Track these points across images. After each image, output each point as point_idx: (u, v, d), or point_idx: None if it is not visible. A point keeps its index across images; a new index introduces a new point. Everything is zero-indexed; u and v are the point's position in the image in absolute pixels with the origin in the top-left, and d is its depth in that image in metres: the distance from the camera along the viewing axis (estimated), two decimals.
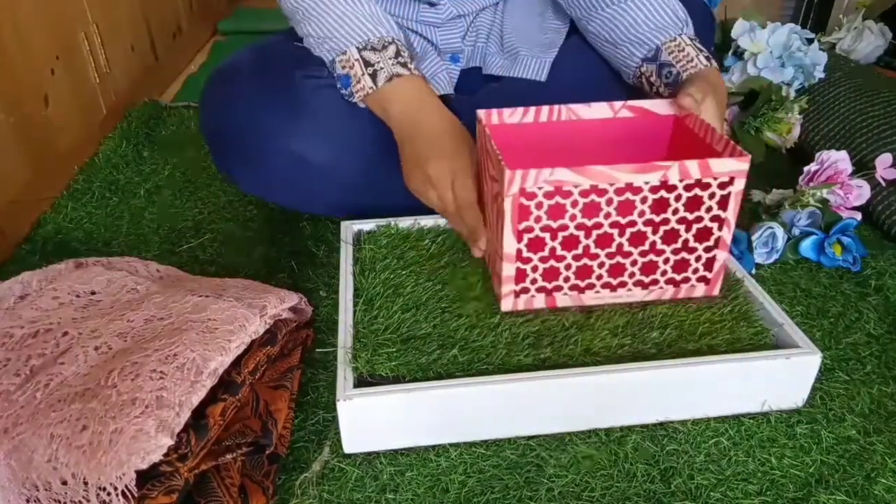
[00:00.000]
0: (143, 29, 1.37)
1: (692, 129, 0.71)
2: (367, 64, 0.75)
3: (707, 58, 0.78)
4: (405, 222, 0.82)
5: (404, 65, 0.76)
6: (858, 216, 0.90)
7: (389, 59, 0.75)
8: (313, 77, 0.81)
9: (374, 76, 0.75)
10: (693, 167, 0.61)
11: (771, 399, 0.65)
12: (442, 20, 0.89)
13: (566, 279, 0.67)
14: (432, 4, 0.88)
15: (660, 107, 0.74)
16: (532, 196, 0.62)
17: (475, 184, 0.72)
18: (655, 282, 0.68)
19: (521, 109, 0.73)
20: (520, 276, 0.67)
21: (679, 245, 0.65)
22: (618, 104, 0.74)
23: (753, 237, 0.86)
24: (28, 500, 0.50)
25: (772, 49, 1.15)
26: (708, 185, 0.62)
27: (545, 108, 0.74)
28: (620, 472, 0.60)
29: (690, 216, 0.64)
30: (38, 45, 0.99)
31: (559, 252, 0.66)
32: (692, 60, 0.78)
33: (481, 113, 0.73)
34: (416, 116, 0.75)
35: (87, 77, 1.14)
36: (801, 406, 0.66)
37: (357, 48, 0.76)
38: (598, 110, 0.74)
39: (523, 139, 0.75)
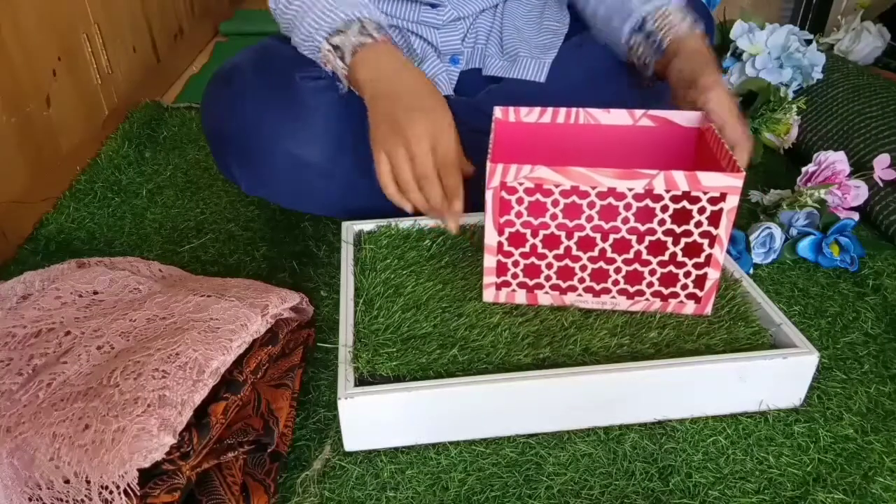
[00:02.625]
0: (144, 30, 1.37)
1: (708, 143, 0.70)
2: (336, 48, 0.75)
3: (692, 23, 0.79)
4: (405, 222, 0.83)
5: (368, 34, 0.74)
6: (856, 216, 0.90)
7: (353, 35, 0.74)
8: (312, 78, 0.81)
9: (342, 58, 0.74)
10: (680, 178, 0.61)
11: (769, 398, 0.65)
12: (443, 22, 0.89)
13: (547, 278, 0.68)
14: (433, 6, 0.88)
15: (682, 118, 0.73)
16: (513, 191, 0.63)
17: (458, 144, 0.69)
18: (641, 293, 0.68)
19: (538, 109, 0.74)
20: (501, 269, 0.68)
21: (666, 258, 0.65)
22: (638, 112, 0.73)
23: (751, 237, 0.86)
24: (31, 499, 0.51)
25: (770, 50, 1.16)
26: (697, 199, 0.62)
27: (563, 110, 0.74)
28: (619, 470, 0.60)
29: (678, 229, 0.63)
30: (39, 46, 0.99)
31: (540, 250, 0.67)
32: (674, 26, 0.78)
33: (498, 110, 0.74)
34: (386, 75, 0.73)
35: (89, 78, 1.14)
36: (798, 405, 0.66)
37: (325, 38, 0.75)
38: (617, 116, 0.73)
39: (540, 139, 0.75)
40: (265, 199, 0.96)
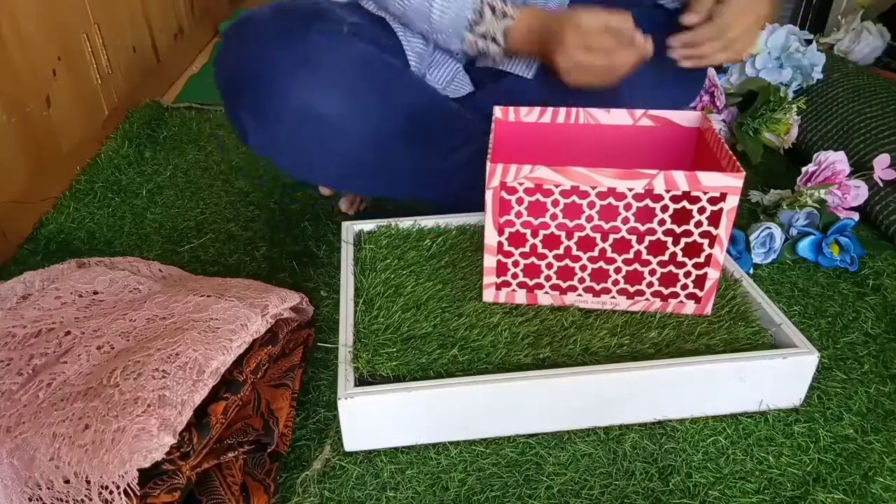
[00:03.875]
0: (144, 30, 1.37)
1: (708, 143, 0.70)
2: (483, 38, 0.80)
3: None
4: (405, 222, 0.83)
5: (506, 16, 0.80)
6: (856, 216, 0.90)
7: (492, 22, 0.80)
8: (331, 31, 0.79)
9: (495, 41, 0.80)
10: (680, 178, 0.61)
11: (769, 398, 0.65)
12: None
13: (547, 278, 0.68)
14: None
15: (682, 117, 0.73)
16: (513, 191, 0.64)
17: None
18: (641, 293, 0.68)
19: (537, 109, 0.74)
20: (501, 269, 0.68)
21: (666, 258, 0.65)
22: (638, 112, 0.73)
23: (751, 237, 0.86)
24: (31, 499, 0.51)
25: (770, 50, 1.16)
26: (697, 199, 0.62)
27: (563, 110, 0.74)
28: (619, 470, 0.60)
29: (678, 229, 0.63)
30: (39, 46, 0.99)
31: (540, 250, 0.67)
32: None
33: (498, 110, 0.74)
34: (542, 35, 0.78)
35: (89, 78, 1.14)
36: (798, 405, 0.66)
37: (468, 29, 0.80)
38: (617, 116, 0.73)
39: (540, 139, 0.75)
40: (273, 162, 0.90)
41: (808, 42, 1.19)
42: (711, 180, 0.60)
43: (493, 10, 0.80)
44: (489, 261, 0.68)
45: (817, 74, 1.16)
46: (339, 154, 0.83)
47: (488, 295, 0.70)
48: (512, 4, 0.81)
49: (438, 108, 0.85)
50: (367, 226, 0.83)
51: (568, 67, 0.76)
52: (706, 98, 1.14)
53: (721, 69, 1.22)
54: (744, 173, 0.60)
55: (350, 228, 0.82)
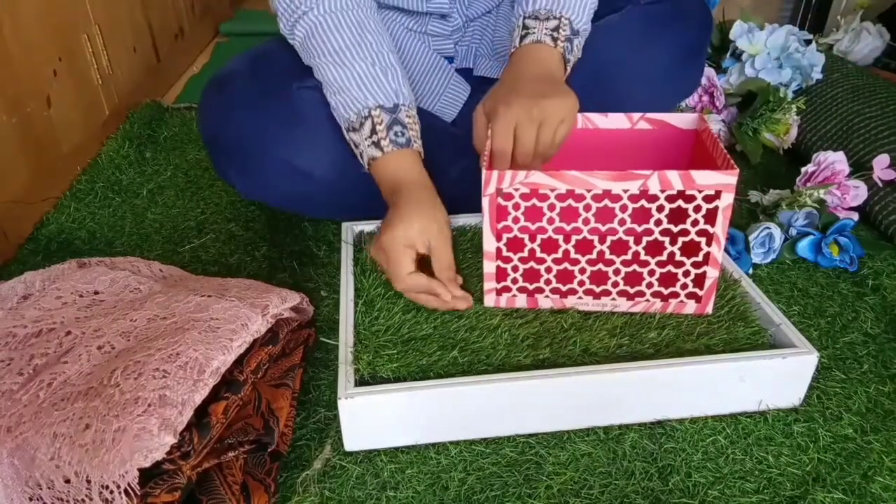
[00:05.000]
0: (145, 30, 1.37)
1: (704, 143, 0.70)
2: (355, 145, 0.76)
3: (554, 37, 0.73)
4: None
5: (377, 145, 0.73)
6: (855, 216, 0.90)
7: (366, 139, 0.74)
8: (309, 88, 0.80)
9: (361, 157, 0.76)
10: (675, 178, 0.61)
11: (768, 398, 0.65)
12: (450, 31, 0.90)
13: (547, 282, 0.68)
14: (444, 17, 0.88)
15: (679, 120, 0.73)
16: (509, 197, 0.64)
17: (451, 249, 0.70)
18: (641, 294, 0.68)
19: None
20: (500, 274, 0.68)
21: (664, 258, 0.65)
22: (636, 116, 0.73)
23: (751, 237, 0.86)
24: (31, 499, 0.51)
25: (770, 50, 1.16)
26: (692, 198, 0.62)
27: None
28: (619, 469, 0.60)
29: (675, 229, 0.64)
30: (40, 46, 0.99)
31: (539, 254, 0.67)
32: (528, 34, 0.74)
33: None
34: (394, 196, 0.72)
35: (90, 78, 1.14)
36: (798, 405, 0.66)
37: (346, 129, 0.76)
38: (615, 120, 0.74)
39: None
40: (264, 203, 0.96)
41: (808, 42, 1.19)
42: (706, 178, 0.61)
43: (372, 130, 0.73)
44: (489, 266, 0.67)
45: (817, 74, 1.16)
46: (327, 198, 0.85)
47: (489, 300, 0.70)
48: (397, 139, 0.73)
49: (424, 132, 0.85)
50: (368, 226, 0.83)
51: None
52: (706, 98, 1.14)
53: (719, 66, 1.22)
54: (738, 170, 0.60)
55: (350, 229, 0.82)
